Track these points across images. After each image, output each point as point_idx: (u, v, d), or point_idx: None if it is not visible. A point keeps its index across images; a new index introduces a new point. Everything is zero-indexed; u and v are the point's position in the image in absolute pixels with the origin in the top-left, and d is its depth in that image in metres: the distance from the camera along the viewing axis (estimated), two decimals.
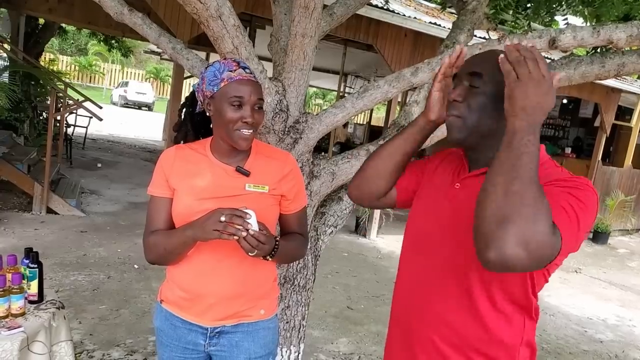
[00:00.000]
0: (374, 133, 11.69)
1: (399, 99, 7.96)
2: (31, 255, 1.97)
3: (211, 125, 1.44)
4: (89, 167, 8.24)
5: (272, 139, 1.93)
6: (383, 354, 1.32)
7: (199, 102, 1.44)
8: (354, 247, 6.13)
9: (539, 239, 0.84)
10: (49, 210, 5.44)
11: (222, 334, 1.45)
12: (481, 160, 1.11)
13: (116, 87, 24.12)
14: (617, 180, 9.23)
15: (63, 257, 4.27)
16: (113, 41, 11.16)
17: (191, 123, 1.51)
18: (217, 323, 1.43)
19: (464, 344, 1.09)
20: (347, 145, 11.96)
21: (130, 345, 3.03)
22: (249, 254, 1.28)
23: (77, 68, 24.96)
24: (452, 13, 5.15)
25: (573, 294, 5.61)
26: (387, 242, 6.56)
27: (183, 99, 1.57)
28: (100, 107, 7.32)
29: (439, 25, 6.13)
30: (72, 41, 24.59)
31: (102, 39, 11.22)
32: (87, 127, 9.75)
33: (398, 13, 5.85)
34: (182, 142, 1.51)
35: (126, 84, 23.46)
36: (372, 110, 14.14)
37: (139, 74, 27.43)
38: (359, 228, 6.75)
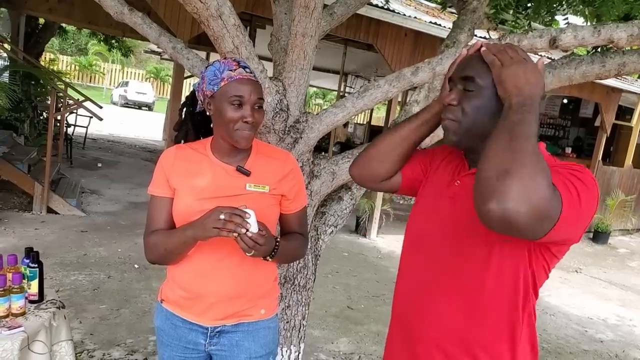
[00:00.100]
0: (374, 133, 11.69)
1: (400, 99, 7.97)
2: (31, 254, 1.97)
3: (211, 125, 1.44)
4: (89, 166, 8.24)
5: (272, 138, 1.93)
6: (383, 354, 1.32)
7: (200, 102, 1.44)
8: (354, 247, 6.13)
9: (540, 194, 0.85)
10: (50, 210, 5.44)
11: (222, 334, 1.45)
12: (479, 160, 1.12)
13: (116, 87, 24.11)
14: (618, 180, 9.22)
15: (63, 257, 4.27)
16: (113, 41, 11.14)
17: (191, 122, 1.51)
18: (218, 322, 1.43)
19: (464, 342, 1.09)
20: (347, 145, 11.97)
21: (130, 344, 3.03)
22: (247, 254, 1.28)
23: (77, 68, 24.96)
24: (452, 13, 5.15)
25: (573, 293, 5.61)
26: (387, 242, 6.56)
27: (183, 99, 1.57)
28: (101, 107, 7.31)
29: (440, 25, 6.13)
30: (72, 41, 24.58)
31: (102, 38, 11.20)
32: (87, 127, 9.75)
33: (398, 13, 5.85)
34: (182, 141, 1.51)
35: (126, 83, 23.44)
36: (372, 110, 14.15)
37: (139, 73, 27.42)
38: (359, 228, 6.75)
